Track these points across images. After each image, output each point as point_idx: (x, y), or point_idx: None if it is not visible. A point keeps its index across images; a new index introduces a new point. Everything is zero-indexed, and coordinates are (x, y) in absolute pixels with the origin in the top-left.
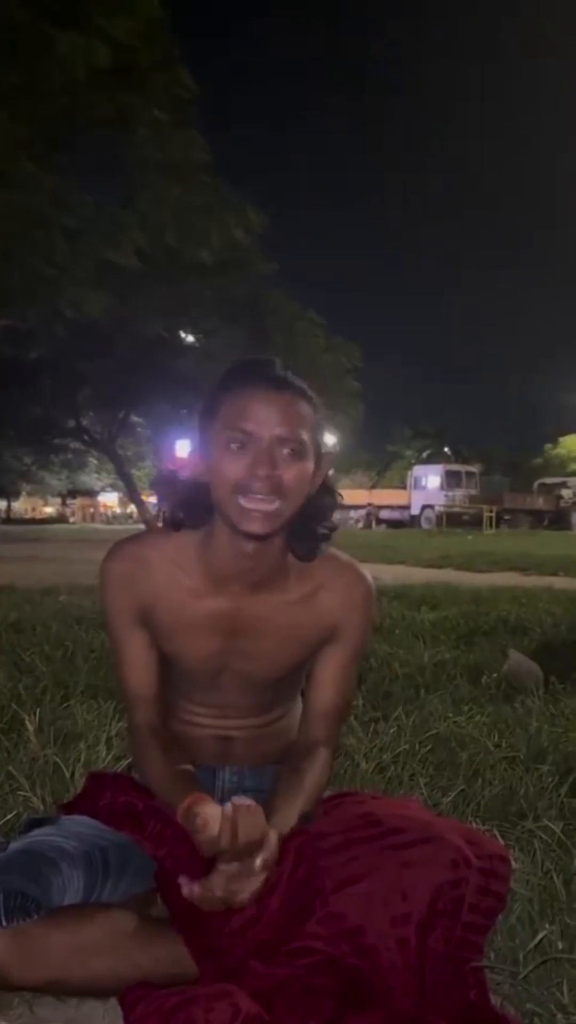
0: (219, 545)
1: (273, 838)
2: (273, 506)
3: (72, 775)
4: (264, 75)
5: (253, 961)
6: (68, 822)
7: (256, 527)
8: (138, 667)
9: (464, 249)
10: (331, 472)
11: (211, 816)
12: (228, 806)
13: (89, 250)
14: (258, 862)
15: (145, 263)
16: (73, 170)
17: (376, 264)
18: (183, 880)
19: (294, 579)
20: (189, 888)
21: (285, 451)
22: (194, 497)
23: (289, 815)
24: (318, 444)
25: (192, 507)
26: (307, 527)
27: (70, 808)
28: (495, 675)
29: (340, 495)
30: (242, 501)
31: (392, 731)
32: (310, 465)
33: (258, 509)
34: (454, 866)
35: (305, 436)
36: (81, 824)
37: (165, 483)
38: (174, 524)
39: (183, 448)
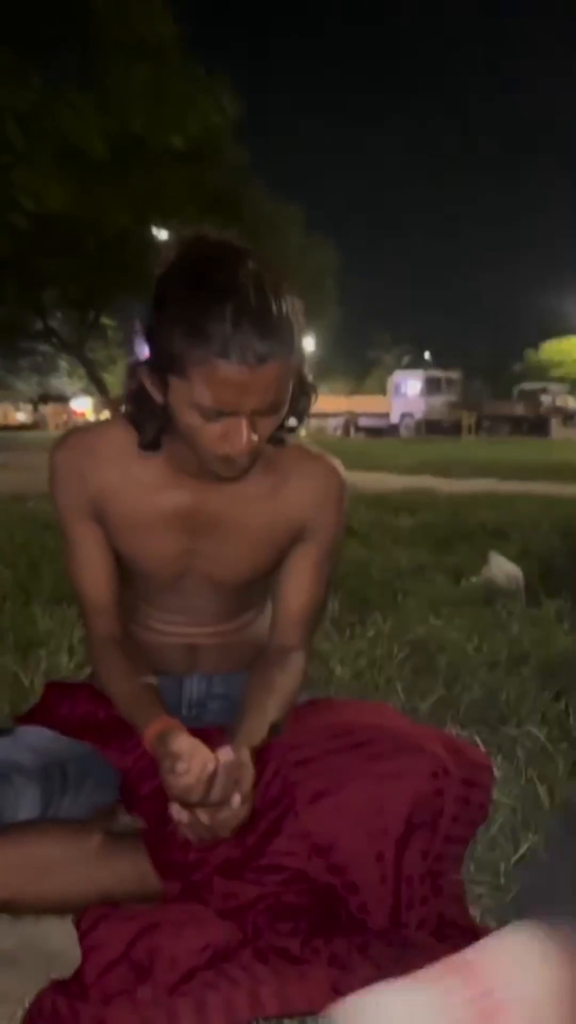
0: (181, 447)
1: (248, 776)
2: (248, 461)
3: (31, 684)
4: None
5: (220, 878)
6: (24, 733)
7: (228, 474)
8: (93, 569)
9: (448, 146)
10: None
11: (187, 756)
12: (209, 764)
13: (47, 135)
14: (236, 800)
15: (112, 151)
16: (28, 48)
17: (354, 159)
18: (174, 807)
19: (260, 469)
20: (179, 814)
21: (264, 412)
22: (155, 416)
23: (258, 727)
24: (299, 365)
25: (157, 427)
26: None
27: (27, 719)
28: (475, 578)
29: (315, 391)
30: (216, 462)
31: (369, 635)
32: (287, 403)
33: (234, 469)
34: (434, 776)
35: (287, 393)
36: (38, 735)
37: (129, 398)
38: (151, 444)
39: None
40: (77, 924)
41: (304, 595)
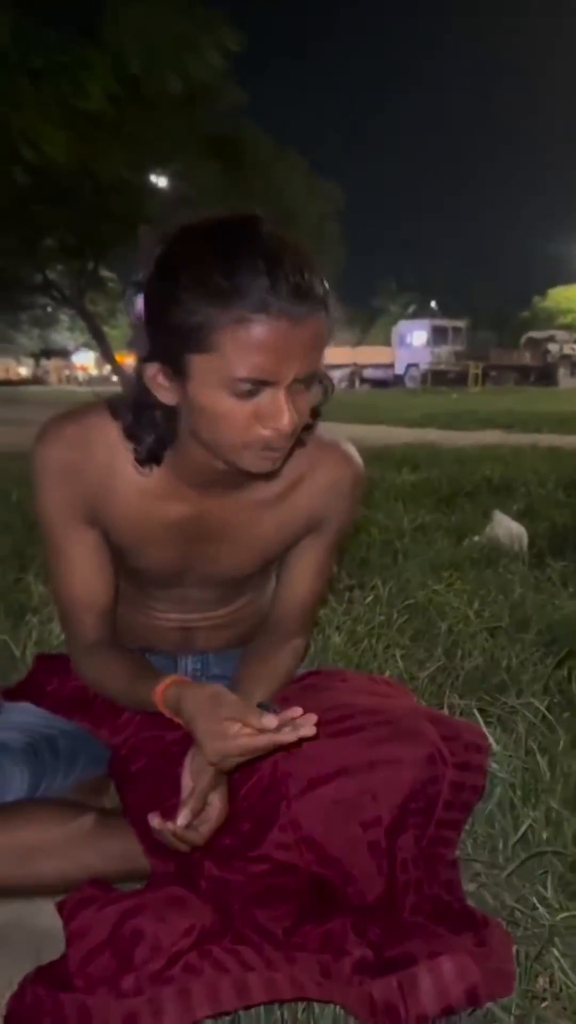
0: (187, 451)
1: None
2: (287, 446)
3: (23, 653)
4: None
5: (210, 863)
6: (12, 710)
7: (266, 468)
8: (87, 575)
9: (455, 90)
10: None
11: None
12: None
13: (55, 93)
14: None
15: (108, 97)
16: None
17: (359, 102)
18: (153, 817)
19: None
20: (162, 825)
21: (301, 385)
22: (156, 426)
23: None
24: (331, 331)
25: (158, 440)
26: None
27: (14, 695)
28: (477, 538)
29: (331, 382)
30: (249, 453)
31: (368, 600)
32: (319, 377)
33: (269, 459)
34: (429, 764)
35: (322, 361)
36: (26, 712)
37: (124, 406)
38: (149, 458)
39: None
40: (59, 908)
41: (309, 585)
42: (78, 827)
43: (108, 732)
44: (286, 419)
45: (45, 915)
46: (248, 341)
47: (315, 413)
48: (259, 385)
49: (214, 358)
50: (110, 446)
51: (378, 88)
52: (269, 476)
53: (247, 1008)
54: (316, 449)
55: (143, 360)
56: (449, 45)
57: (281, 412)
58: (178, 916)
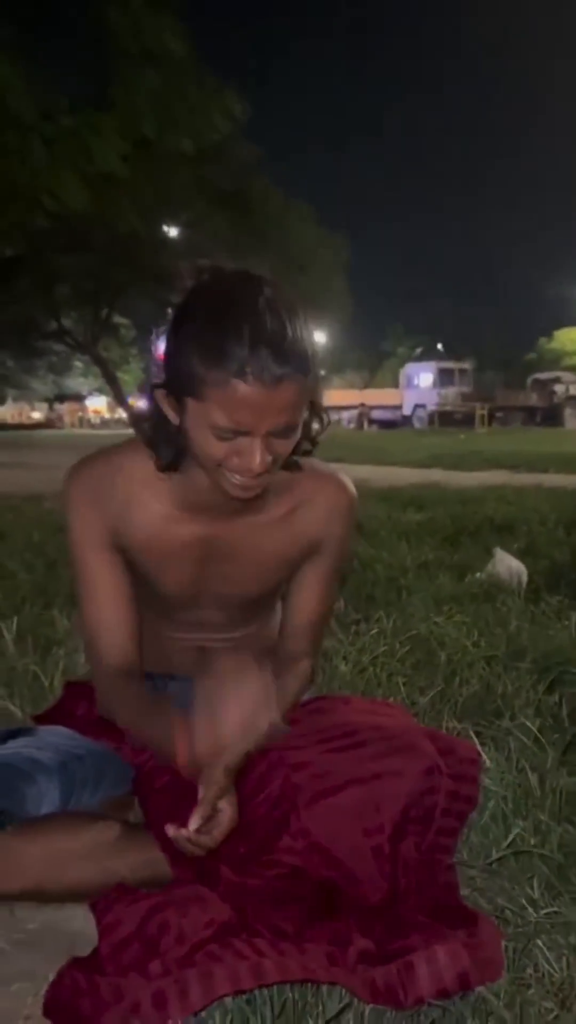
0: (195, 477)
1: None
2: (261, 480)
3: (51, 683)
4: None
5: (226, 868)
6: (44, 732)
7: (241, 495)
8: (111, 598)
9: (459, 139)
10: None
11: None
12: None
13: (69, 156)
14: (224, 807)
15: (123, 159)
16: (47, 63)
17: (366, 152)
18: (170, 827)
19: (273, 495)
20: (176, 832)
21: (278, 433)
22: (172, 439)
23: None
24: (314, 387)
25: (174, 450)
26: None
27: (46, 719)
28: (479, 574)
29: (327, 417)
30: (227, 475)
31: (372, 633)
32: (300, 424)
33: (246, 489)
34: (427, 775)
35: (301, 414)
36: (57, 734)
37: (145, 422)
38: (167, 467)
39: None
40: (93, 907)
41: (314, 605)
42: (105, 836)
43: (132, 751)
44: (256, 462)
45: (76, 920)
46: (228, 400)
47: (313, 441)
48: (236, 434)
49: (202, 406)
50: (129, 481)
51: (386, 136)
52: (259, 502)
53: (262, 987)
54: (315, 478)
55: (157, 386)
56: (453, 93)
57: (252, 457)
58: (199, 911)
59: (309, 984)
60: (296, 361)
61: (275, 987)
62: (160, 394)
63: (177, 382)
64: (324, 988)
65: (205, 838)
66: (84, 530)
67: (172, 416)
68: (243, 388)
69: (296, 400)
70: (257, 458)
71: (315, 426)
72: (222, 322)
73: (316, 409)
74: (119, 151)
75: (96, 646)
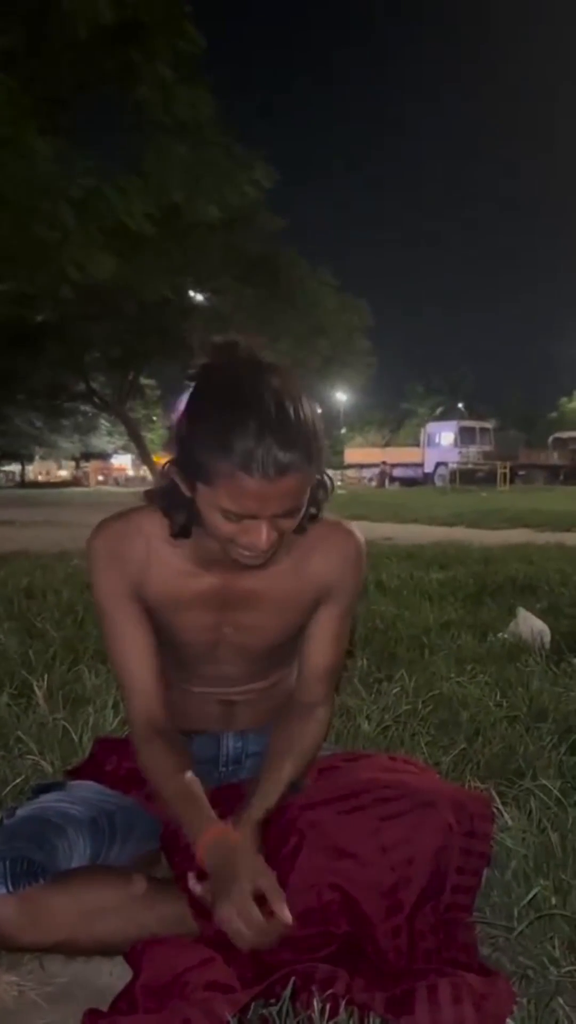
0: (208, 539)
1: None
2: (269, 552)
3: (80, 739)
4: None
5: None
6: (75, 787)
7: (251, 563)
8: (136, 649)
9: (478, 199)
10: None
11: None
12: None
13: (96, 218)
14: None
15: (151, 222)
16: (76, 133)
17: (386, 216)
18: (191, 876)
19: (285, 548)
20: (195, 884)
21: (283, 516)
22: (185, 509)
23: (275, 789)
24: (318, 470)
25: (186, 517)
26: None
27: (77, 773)
28: (502, 634)
29: (333, 484)
30: (236, 549)
31: (395, 692)
32: (305, 506)
33: (253, 560)
34: (442, 832)
35: (305, 498)
36: (88, 789)
37: (160, 492)
38: (181, 532)
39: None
40: (126, 955)
41: (328, 652)
42: (134, 890)
43: (160, 808)
44: (263, 542)
45: (104, 974)
46: (234, 489)
47: (319, 506)
48: (243, 517)
49: (210, 490)
50: (148, 538)
51: (405, 200)
52: (266, 565)
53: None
54: (325, 528)
55: (172, 463)
56: (474, 154)
57: (258, 537)
58: (221, 964)
59: None
60: (300, 451)
61: None
62: (174, 470)
63: (188, 465)
64: None
65: (257, 937)
66: (107, 586)
67: (185, 490)
68: (248, 480)
69: (300, 487)
70: (264, 537)
71: (320, 494)
72: (229, 417)
73: (321, 481)
74: (146, 210)
75: (129, 695)
